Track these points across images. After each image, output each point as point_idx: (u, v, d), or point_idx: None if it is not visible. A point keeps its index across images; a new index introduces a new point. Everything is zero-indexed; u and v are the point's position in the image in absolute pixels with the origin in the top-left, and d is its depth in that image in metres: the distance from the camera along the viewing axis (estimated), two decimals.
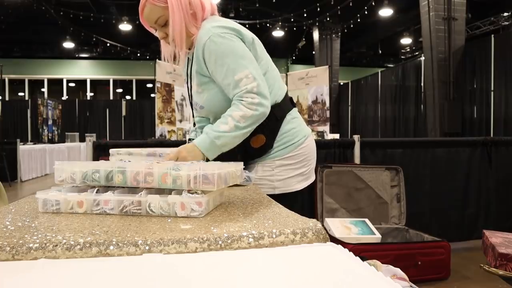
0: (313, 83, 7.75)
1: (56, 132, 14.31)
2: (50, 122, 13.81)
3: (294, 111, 1.45)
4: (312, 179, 1.49)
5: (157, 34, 1.38)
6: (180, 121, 6.80)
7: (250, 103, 1.24)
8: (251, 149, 1.35)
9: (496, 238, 1.81)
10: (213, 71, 1.31)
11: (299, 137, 1.42)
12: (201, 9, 1.33)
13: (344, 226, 2.62)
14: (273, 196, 1.28)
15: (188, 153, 1.20)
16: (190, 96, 1.44)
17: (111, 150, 1.43)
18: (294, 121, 1.42)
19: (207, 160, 1.26)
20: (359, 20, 11.30)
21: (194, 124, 1.55)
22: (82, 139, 12.97)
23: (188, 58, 1.41)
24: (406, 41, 13.93)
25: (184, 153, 1.20)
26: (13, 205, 0.97)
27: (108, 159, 1.41)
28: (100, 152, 2.83)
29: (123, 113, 15.67)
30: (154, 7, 1.29)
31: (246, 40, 1.33)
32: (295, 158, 1.41)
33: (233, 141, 1.25)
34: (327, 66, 8.28)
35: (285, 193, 1.40)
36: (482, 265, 1.64)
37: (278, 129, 1.38)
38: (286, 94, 1.45)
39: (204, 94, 1.37)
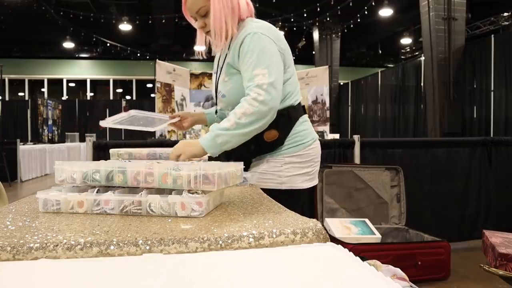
0: (313, 83, 7.74)
1: (56, 132, 14.29)
2: (50, 122, 13.80)
3: (306, 116, 1.54)
4: (316, 181, 1.56)
5: (196, 24, 1.46)
6: None
7: (253, 99, 1.26)
8: (264, 143, 1.40)
9: (496, 238, 1.81)
10: (240, 62, 1.37)
11: (309, 138, 1.50)
12: (238, 6, 1.39)
13: (344, 226, 2.63)
14: (279, 191, 1.37)
15: (188, 146, 1.24)
16: (216, 86, 1.51)
17: (111, 150, 1.44)
18: (305, 124, 1.51)
19: (210, 157, 1.30)
20: (359, 20, 11.29)
21: (216, 112, 1.62)
22: (82, 139, 12.97)
23: (222, 49, 1.47)
24: (406, 41, 13.92)
25: (181, 145, 1.24)
26: (14, 205, 0.97)
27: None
28: (100, 152, 2.83)
29: None
30: None
31: (281, 45, 1.40)
32: (303, 157, 1.47)
33: (234, 140, 1.26)
34: (327, 66, 8.27)
35: (290, 189, 1.45)
36: (482, 265, 1.64)
37: (291, 129, 1.45)
38: (300, 100, 1.53)
39: (229, 84, 1.43)
